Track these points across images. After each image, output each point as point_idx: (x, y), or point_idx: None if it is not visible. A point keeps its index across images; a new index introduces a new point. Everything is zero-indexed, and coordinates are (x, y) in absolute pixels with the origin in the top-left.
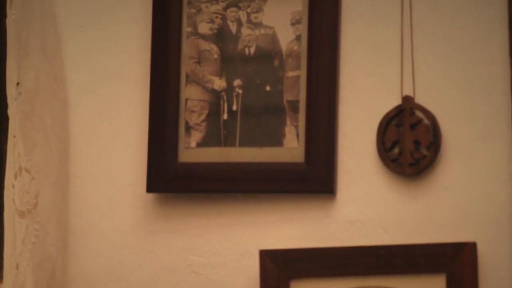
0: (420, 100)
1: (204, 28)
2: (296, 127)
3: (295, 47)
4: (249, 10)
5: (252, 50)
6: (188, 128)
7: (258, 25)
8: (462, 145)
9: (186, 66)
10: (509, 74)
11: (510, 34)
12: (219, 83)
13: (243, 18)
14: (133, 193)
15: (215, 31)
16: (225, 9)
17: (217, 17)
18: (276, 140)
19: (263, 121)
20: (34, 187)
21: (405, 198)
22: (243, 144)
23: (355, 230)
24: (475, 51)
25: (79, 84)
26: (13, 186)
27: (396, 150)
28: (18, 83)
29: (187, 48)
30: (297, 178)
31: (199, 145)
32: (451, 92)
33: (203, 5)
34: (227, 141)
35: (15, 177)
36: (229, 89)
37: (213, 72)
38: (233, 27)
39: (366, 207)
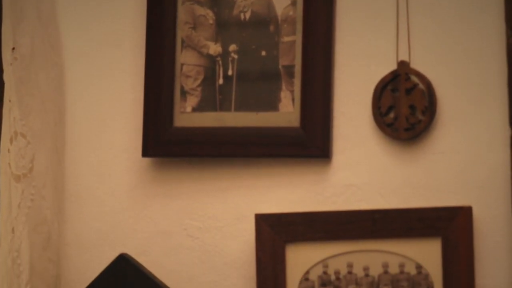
0: (415, 65)
1: None
2: (292, 92)
3: (291, 13)
4: None
5: (248, 15)
6: (183, 93)
7: None
8: (457, 110)
9: (182, 31)
10: (505, 39)
11: None
12: (214, 48)
13: None
14: (128, 158)
15: None
16: None
17: None
18: (272, 105)
19: (258, 86)
20: (30, 151)
21: (401, 162)
22: (238, 109)
23: (351, 195)
24: (470, 16)
25: (74, 50)
26: (8, 150)
27: (391, 115)
28: (13, 48)
29: (182, 13)
30: (293, 142)
31: (194, 110)
32: (446, 57)
33: None
34: (223, 106)
35: (11, 141)
36: (225, 54)
37: (209, 37)
38: None
39: (361, 172)
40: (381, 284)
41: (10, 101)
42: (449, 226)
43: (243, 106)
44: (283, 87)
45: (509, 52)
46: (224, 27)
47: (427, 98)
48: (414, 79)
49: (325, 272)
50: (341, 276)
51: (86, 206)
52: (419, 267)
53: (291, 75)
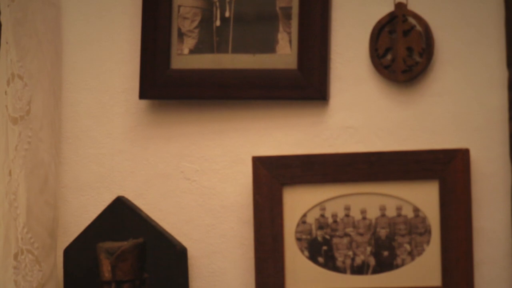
0: (412, 6)
1: None
2: (289, 33)
3: None
4: None
5: None
6: (180, 35)
7: None
8: (455, 52)
9: None
10: None
11: None
12: None
13: None
14: (125, 100)
15: None
16: None
17: None
18: (269, 46)
19: (255, 27)
20: (27, 93)
21: (398, 104)
22: (235, 50)
23: (348, 137)
24: None
25: None
26: (5, 92)
27: (389, 57)
28: None
29: None
30: (290, 84)
31: (191, 51)
32: None
33: None
34: (220, 48)
35: (8, 83)
36: None
37: None
38: None
39: (359, 114)
40: (378, 227)
41: (7, 43)
42: (447, 168)
43: (240, 48)
44: (280, 28)
45: None
46: None
47: (425, 40)
48: (412, 20)
49: (322, 215)
50: (338, 219)
51: (83, 148)
52: (416, 210)
53: (288, 16)
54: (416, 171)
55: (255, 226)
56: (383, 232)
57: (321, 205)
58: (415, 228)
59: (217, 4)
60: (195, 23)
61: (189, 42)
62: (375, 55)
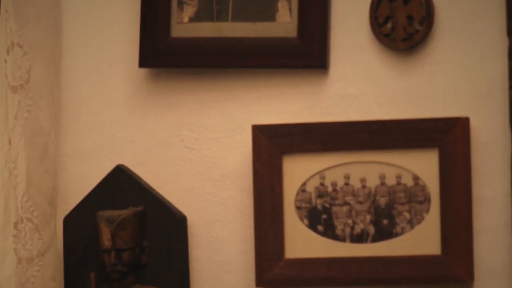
0: None
1: None
2: (289, 1)
3: None
4: None
5: None
6: (180, 3)
7: None
8: (455, 20)
9: None
10: None
11: None
12: None
13: None
14: (125, 68)
15: None
16: None
17: None
18: (269, 14)
19: None
20: (27, 62)
21: (398, 73)
22: (235, 19)
23: (348, 105)
24: None
25: None
26: (5, 61)
27: (389, 25)
28: None
29: None
30: (290, 53)
31: (191, 20)
32: None
33: None
34: (220, 16)
35: (7, 52)
36: None
37: None
38: None
39: (359, 82)
40: (378, 195)
41: (6, 11)
42: (446, 137)
43: (240, 16)
44: None
45: None
46: None
47: (425, 8)
48: None
49: (322, 184)
50: (338, 188)
51: (83, 117)
52: (416, 178)
53: None
54: (416, 139)
55: (255, 194)
56: (382, 201)
57: (321, 173)
58: (415, 196)
59: None
60: None
61: (189, 10)
62: (375, 23)
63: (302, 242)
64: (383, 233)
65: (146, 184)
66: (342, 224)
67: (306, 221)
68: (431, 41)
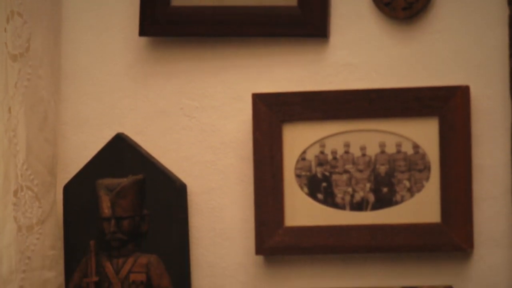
0: None
1: None
2: None
3: None
4: None
5: None
6: None
7: None
8: None
9: None
10: None
11: None
12: None
13: None
14: (125, 37)
15: None
16: None
17: None
18: None
19: None
20: (27, 30)
21: (398, 41)
22: None
23: (348, 74)
24: None
25: None
26: (5, 30)
27: None
28: None
29: None
30: (290, 21)
31: None
32: None
33: None
34: None
35: (7, 20)
36: None
37: None
38: None
39: (359, 51)
40: (378, 163)
41: None
42: (446, 105)
43: None
44: None
45: None
46: None
47: None
48: None
49: (322, 152)
50: (338, 156)
51: (83, 85)
52: (416, 146)
53: None
54: (416, 108)
55: (255, 162)
56: (382, 169)
57: (321, 142)
58: (415, 164)
59: None
60: None
61: None
62: None
63: (302, 210)
64: (383, 201)
65: (146, 152)
66: (342, 192)
67: (306, 189)
68: (431, 10)
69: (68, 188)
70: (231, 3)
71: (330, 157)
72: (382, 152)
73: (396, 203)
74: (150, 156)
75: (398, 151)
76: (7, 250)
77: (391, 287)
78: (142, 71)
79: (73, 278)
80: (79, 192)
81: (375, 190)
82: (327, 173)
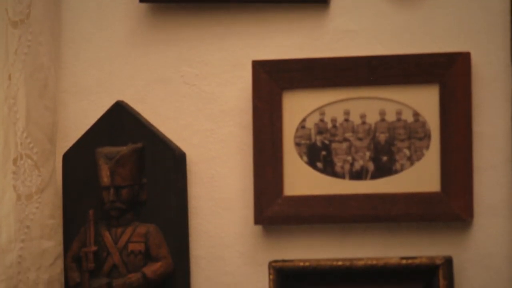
0: None
1: None
2: None
3: None
4: None
5: None
6: None
7: None
8: None
9: None
10: None
11: None
12: None
13: None
14: (126, 3)
15: None
16: None
17: None
18: None
19: None
20: None
21: (400, 8)
22: None
23: (349, 41)
24: None
25: None
26: None
27: None
28: None
29: None
30: None
31: None
32: None
33: None
34: None
35: None
36: None
37: None
38: None
39: (359, 17)
40: (378, 131)
41: None
42: (447, 72)
43: None
44: None
45: None
46: None
47: None
48: None
49: (321, 120)
50: (337, 124)
51: (83, 53)
52: (416, 114)
53: None
54: (417, 75)
55: (254, 131)
56: (382, 137)
57: (321, 109)
58: (415, 132)
59: None
60: None
61: None
62: None
63: (301, 179)
64: (383, 170)
65: (146, 120)
66: (341, 161)
67: (305, 158)
68: None
69: (68, 156)
70: None
71: (329, 125)
72: (382, 120)
73: (396, 172)
74: (150, 124)
75: (398, 119)
76: (6, 219)
77: (390, 257)
78: (142, 38)
79: (71, 248)
80: (79, 161)
81: (375, 159)
82: (326, 142)
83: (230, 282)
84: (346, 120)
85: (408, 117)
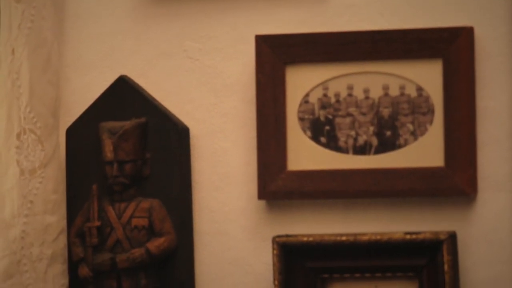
0: None
1: None
2: None
3: None
4: None
5: None
6: None
7: None
8: None
9: None
10: None
11: None
12: None
13: None
14: None
15: None
16: None
17: None
18: None
19: None
20: None
21: None
22: None
23: (352, 15)
24: None
25: None
26: None
27: None
28: None
29: None
30: None
31: None
32: None
33: None
34: None
35: None
36: None
37: None
38: None
39: None
40: (381, 106)
41: None
42: (450, 47)
43: None
44: None
45: None
46: None
47: None
48: None
49: (325, 95)
50: (341, 99)
51: (86, 27)
52: (419, 89)
53: None
54: (420, 49)
55: (258, 105)
56: (386, 112)
57: (324, 84)
58: (419, 107)
59: None
60: None
61: None
62: None
63: (304, 154)
64: (386, 144)
65: (149, 95)
66: (345, 135)
67: (309, 133)
68: None
69: (71, 131)
70: None
71: (333, 99)
72: (386, 94)
73: (400, 146)
74: (153, 98)
75: (402, 94)
76: (9, 194)
77: (394, 232)
78: (145, 12)
79: (75, 223)
80: (82, 135)
81: (379, 134)
82: (330, 116)
83: (233, 257)
84: (350, 95)
85: (411, 91)
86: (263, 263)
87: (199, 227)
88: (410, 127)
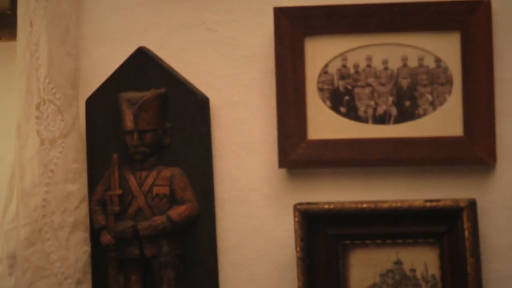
0: None
1: None
2: None
3: None
4: None
5: None
6: None
7: None
8: None
9: None
10: None
11: None
12: None
13: None
14: None
15: None
16: None
17: None
18: None
19: None
20: None
21: None
22: None
23: None
24: None
25: None
26: None
27: None
28: None
29: None
30: None
31: None
32: None
33: None
34: None
35: None
36: None
37: None
38: None
39: None
40: (400, 77)
41: None
42: (468, 19)
43: None
44: None
45: None
46: None
47: None
48: None
49: (344, 66)
50: (360, 70)
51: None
52: (438, 60)
53: None
54: (438, 21)
55: (277, 76)
56: (404, 82)
57: (343, 55)
58: (437, 78)
59: None
60: None
61: None
62: None
63: (324, 123)
64: (405, 114)
65: (168, 66)
66: (364, 105)
67: (328, 103)
68: None
69: (91, 102)
70: None
71: (352, 70)
72: (404, 65)
73: (419, 116)
74: (172, 69)
75: (420, 65)
76: (29, 163)
77: (415, 200)
78: None
79: (96, 191)
80: (102, 106)
81: (398, 104)
82: (349, 87)
83: (255, 224)
84: (369, 66)
85: (430, 63)
86: (284, 230)
87: (221, 195)
88: (429, 97)
